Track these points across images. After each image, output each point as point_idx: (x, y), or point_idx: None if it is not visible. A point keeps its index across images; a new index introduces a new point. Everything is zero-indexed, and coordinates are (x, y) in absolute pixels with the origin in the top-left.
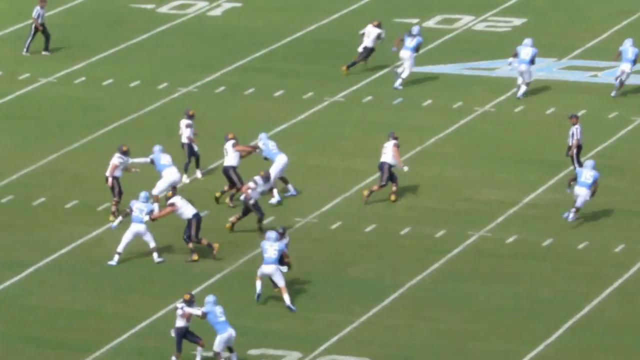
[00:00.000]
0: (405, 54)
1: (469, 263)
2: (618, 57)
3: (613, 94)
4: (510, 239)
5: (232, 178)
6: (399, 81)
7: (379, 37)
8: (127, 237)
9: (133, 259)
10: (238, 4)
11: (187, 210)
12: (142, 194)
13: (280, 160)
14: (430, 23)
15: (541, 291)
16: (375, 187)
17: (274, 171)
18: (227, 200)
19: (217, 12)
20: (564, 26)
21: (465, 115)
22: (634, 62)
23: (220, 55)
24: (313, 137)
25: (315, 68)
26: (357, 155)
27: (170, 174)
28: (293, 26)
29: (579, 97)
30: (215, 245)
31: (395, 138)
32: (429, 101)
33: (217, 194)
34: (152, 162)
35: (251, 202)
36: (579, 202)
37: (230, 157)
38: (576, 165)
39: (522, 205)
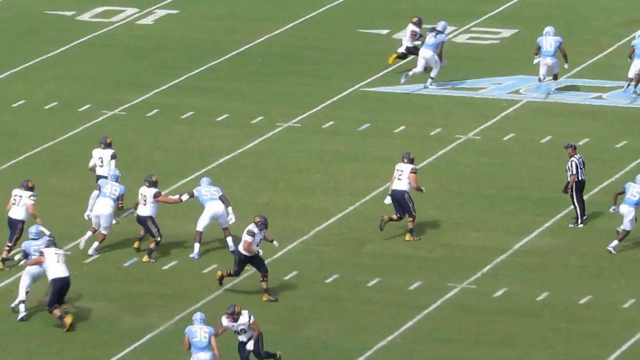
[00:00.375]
0: (426, 53)
1: (450, 321)
2: (632, 54)
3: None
4: (499, 292)
5: (151, 230)
6: (405, 78)
7: (414, 35)
8: (25, 281)
9: (47, 314)
10: (174, 11)
11: (51, 269)
12: (32, 230)
13: (209, 209)
14: (402, 35)
15: (536, 354)
16: (395, 216)
17: (200, 222)
18: (145, 258)
19: (148, 20)
20: (563, 38)
21: (445, 144)
22: None
23: (152, 72)
24: (263, 170)
25: (265, 87)
26: (315, 192)
27: (99, 205)
28: (239, 38)
29: (580, 123)
30: (67, 321)
31: (412, 160)
32: (402, 127)
33: (136, 245)
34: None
35: (259, 254)
36: (625, 224)
37: (149, 207)
38: (577, 204)
39: (513, 251)
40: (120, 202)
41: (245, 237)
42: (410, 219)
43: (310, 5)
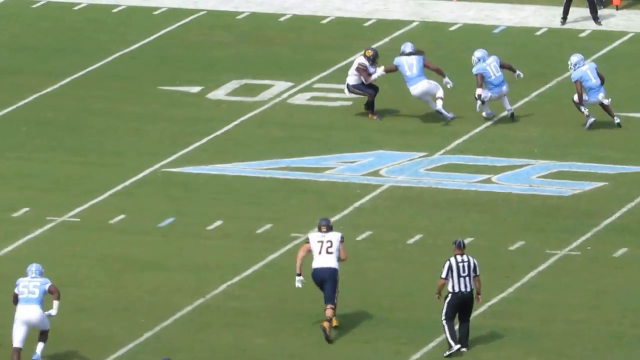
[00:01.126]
0: (421, 86)
1: None
2: (581, 92)
3: (617, 120)
4: None
5: None
6: (447, 114)
7: (364, 71)
8: None
9: None
10: None
11: None
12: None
13: (18, 314)
14: (221, 93)
15: None
16: (329, 312)
17: (15, 335)
18: None
19: None
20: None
21: (278, 246)
22: (603, 82)
23: None
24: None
25: (32, 167)
26: (100, 313)
27: None
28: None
29: (461, 217)
30: None
31: (331, 227)
32: (218, 222)
33: None
34: None
35: None
36: None
37: None
38: (447, 335)
39: None
40: None
41: None
42: (332, 306)
43: (92, 53)
